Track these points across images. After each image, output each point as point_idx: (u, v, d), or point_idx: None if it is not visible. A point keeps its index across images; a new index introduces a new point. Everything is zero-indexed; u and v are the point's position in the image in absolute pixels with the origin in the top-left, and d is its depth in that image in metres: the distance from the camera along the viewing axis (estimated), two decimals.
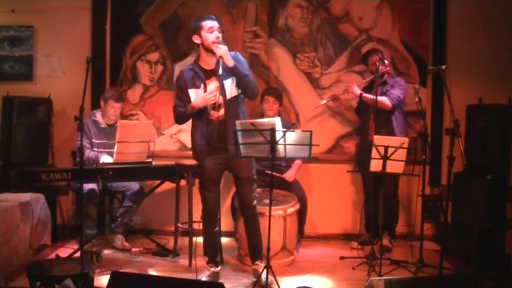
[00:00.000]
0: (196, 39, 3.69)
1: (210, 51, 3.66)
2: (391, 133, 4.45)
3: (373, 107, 4.24)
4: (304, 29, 5.14)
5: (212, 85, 3.70)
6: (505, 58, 4.97)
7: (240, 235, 4.35)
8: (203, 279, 3.83)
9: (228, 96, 3.69)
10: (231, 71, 3.63)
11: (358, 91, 4.61)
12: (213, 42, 3.61)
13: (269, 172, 4.45)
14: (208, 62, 3.73)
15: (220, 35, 3.66)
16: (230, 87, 3.69)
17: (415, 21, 5.08)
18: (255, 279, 3.80)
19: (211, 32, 3.64)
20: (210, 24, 3.65)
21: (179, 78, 3.80)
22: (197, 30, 3.67)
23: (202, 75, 3.72)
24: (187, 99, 3.73)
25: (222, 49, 3.56)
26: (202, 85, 3.70)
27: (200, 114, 3.73)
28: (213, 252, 3.95)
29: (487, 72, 4.98)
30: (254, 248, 3.92)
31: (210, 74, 3.71)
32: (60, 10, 5.16)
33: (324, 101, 4.84)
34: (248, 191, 3.84)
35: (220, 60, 3.56)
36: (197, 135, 3.78)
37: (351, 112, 5.08)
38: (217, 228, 3.99)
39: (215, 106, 3.69)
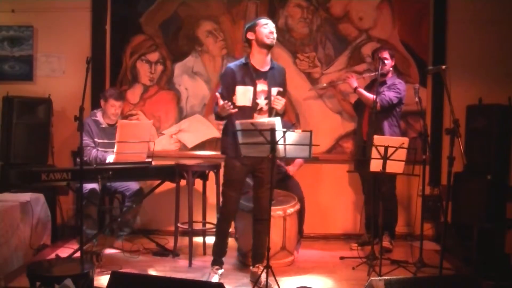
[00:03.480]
0: (250, 36, 3.71)
1: (263, 45, 3.68)
2: (381, 135, 4.42)
3: (372, 107, 4.25)
4: (304, 29, 5.14)
5: (260, 87, 3.72)
6: (505, 58, 4.97)
7: (240, 235, 4.36)
8: (214, 280, 3.81)
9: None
10: (276, 114, 3.71)
11: (354, 84, 4.60)
12: (267, 36, 3.66)
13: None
14: (259, 61, 3.74)
15: (274, 31, 3.68)
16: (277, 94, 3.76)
17: (415, 21, 5.08)
18: (252, 281, 3.81)
19: (265, 28, 3.68)
20: (265, 21, 3.71)
21: (227, 74, 3.75)
22: (252, 27, 3.71)
23: (254, 74, 3.71)
24: (230, 95, 3.70)
25: (279, 103, 3.66)
26: (251, 85, 3.71)
27: (244, 113, 3.70)
28: (222, 253, 3.94)
29: (487, 72, 4.98)
30: (257, 251, 3.90)
31: (260, 75, 3.72)
32: (60, 10, 5.15)
33: (321, 86, 4.98)
34: (267, 195, 3.77)
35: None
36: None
37: (350, 111, 5.09)
38: (230, 230, 3.98)
39: (257, 109, 3.71)
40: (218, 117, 3.77)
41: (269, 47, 3.70)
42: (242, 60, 3.78)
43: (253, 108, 3.71)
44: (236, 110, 3.65)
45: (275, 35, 3.70)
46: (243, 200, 4.27)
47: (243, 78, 3.70)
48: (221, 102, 3.60)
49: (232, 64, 3.80)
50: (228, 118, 3.74)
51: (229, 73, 3.74)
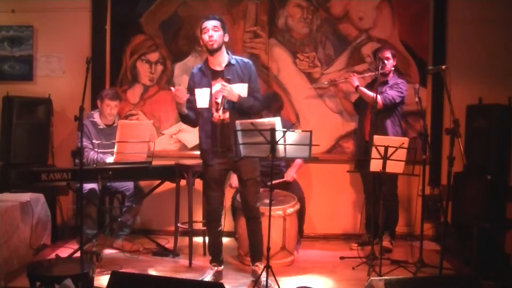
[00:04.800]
0: (201, 40, 3.76)
1: (207, 51, 3.73)
2: (384, 134, 4.43)
3: (372, 107, 4.25)
4: (304, 29, 5.14)
5: (218, 86, 3.71)
6: (505, 58, 4.97)
7: (240, 235, 4.36)
8: (207, 278, 3.83)
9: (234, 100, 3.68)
10: (234, 104, 3.66)
11: (356, 82, 4.60)
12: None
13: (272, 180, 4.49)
14: (214, 63, 3.77)
15: (215, 33, 3.66)
16: (240, 90, 3.71)
17: (415, 21, 5.08)
18: (253, 279, 3.81)
19: (205, 32, 3.69)
20: (205, 25, 3.71)
21: (189, 79, 3.87)
22: (200, 32, 3.75)
23: (209, 75, 3.74)
24: (194, 99, 3.78)
25: (224, 89, 3.61)
26: (207, 86, 3.73)
27: (205, 115, 3.74)
28: (216, 251, 3.95)
29: (487, 72, 4.98)
30: (254, 250, 3.91)
31: (217, 74, 3.74)
32: (60, 10, 5.16)
33: (322, 84, 4.98)
34: (251, 193, 3.81)
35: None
36: (202, 135, 3.81)
37: (350, 110, 5.08)
38: (220, 228, 3.98)
39: (218, 108, 3.69)
40: (181, 117, 3.80)
41: (211, 52, 3.71)
42: (199, 66, 3.85)
43: (211, 109, 3.73)
44: (187, 95, 3.68)
45: (215, 36, 3.66)
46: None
47: (200, 80, 3.77)
48: (173, 89, 3.64)
49: (194, 68, 3.90)
50: (195, 121, 3.80)
51: (190, 77, 3.86)
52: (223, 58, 3.75)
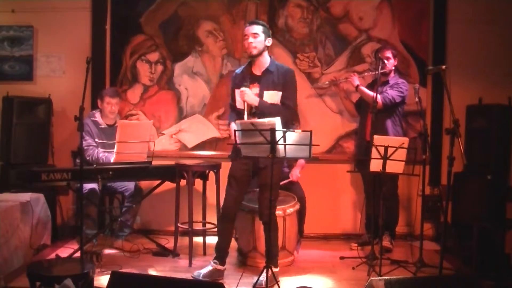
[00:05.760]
0: (243, 45, 3.90)
1: (248, 56, 3.81)
2: (385, 134, 4.43)
3: (373, 107, 4.25)
4: (304, 29, 5.14)
5: (253, 90, 3.76)
6: (504, 58, 4.97)
7: (240, 235, 4.36)
8: (203, 272, 3.84)
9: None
10: (256, 108, 3.73)
11: (356, 82, 4.62)
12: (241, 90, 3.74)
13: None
14: (254, 67, 3.84)
15: (255, 40, 3.71)
16: (270, 98, 3.74)
17: (415, 21, 5.08)
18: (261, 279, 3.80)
19: (245, 39, 3.76)
20: (245, 32, 3.78)
21: (231, 79, 4.00)
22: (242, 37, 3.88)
23: (248, 79, 3.79)
24: (233, 98, 3.88)
25: (243, 94, 3.70)
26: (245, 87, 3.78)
27: (239, 116, 3.78)
28: (221, 250, 3.94)
29: (487, 72, 4.98)
30: (266, 253, 3.83)
31: (255, 79, 3.80)
32: (60, 10, 5.15)
33: (323, 84, 5.00)
34: (264, 198, 3.77)
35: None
36: (236, 133, 3.79)
37: (352, 110, 5.09)
38: (232, 230, 3.97)
39: (251, 112, 3.72)
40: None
41: (251, 57, 3.78)
42: (243, 67, 3.93)
43: (246, 111, 3.75)
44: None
45: (255, 43, 3.71)
46: (243, 200, 4.27)
47: (240, 82, 3.82)
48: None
49: (238, 69, 3.98)
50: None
51: (232, 77, 3.97)
52: (264, 64, 3.80)
